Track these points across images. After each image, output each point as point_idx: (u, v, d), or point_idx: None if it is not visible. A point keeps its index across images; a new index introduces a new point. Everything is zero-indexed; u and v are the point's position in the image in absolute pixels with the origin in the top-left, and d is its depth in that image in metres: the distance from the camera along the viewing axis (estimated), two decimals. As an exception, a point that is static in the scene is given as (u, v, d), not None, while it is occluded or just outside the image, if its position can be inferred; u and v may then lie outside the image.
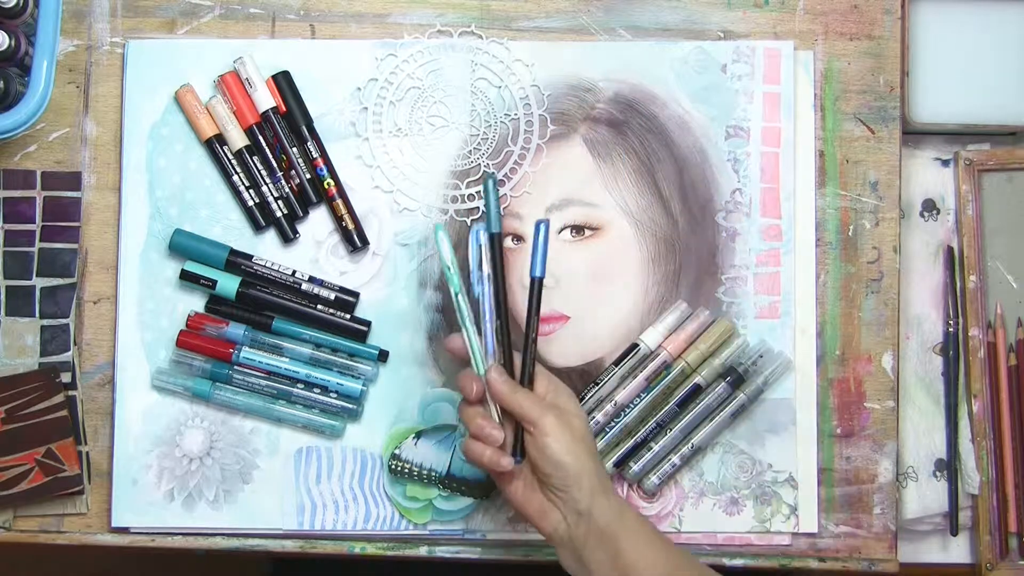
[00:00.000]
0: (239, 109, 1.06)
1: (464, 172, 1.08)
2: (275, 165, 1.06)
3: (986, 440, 1.10)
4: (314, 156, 1.06)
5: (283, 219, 1.06)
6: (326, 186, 1.06)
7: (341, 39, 1.08)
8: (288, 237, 1.06)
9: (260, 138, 1.06)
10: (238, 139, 1.06)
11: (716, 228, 1.07)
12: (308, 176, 1.06)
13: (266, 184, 1.06)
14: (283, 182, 1.06)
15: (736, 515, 1.06)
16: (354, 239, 1.06)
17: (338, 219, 1.06)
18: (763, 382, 1.05)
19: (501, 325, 0.96)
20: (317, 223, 1.07)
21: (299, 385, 1.05)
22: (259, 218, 1.06)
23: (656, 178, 1.07)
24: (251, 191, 1.06)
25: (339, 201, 1.06)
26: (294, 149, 1.06)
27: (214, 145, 1.06)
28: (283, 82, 1.07)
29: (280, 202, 1.06)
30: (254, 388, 1.05)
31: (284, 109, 1.06)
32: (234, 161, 1.06)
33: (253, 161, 1.06)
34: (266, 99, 1.06)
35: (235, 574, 1.50)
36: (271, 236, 1.07)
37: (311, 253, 1.07)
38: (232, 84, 1.06)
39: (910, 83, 1.10)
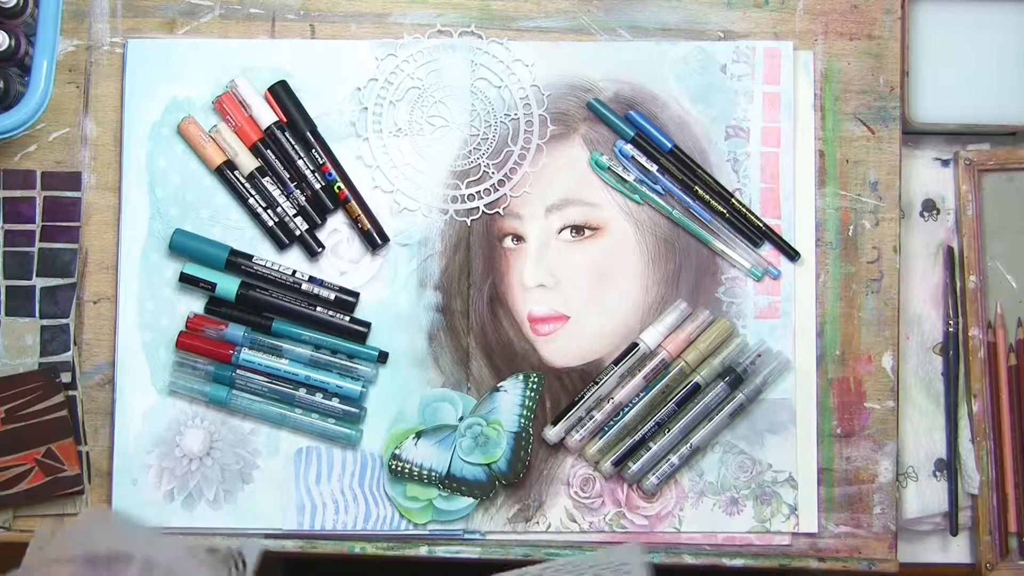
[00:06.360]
0: (241, 128, 1.06)
1: (464, 172, 1.08)
2: (287, 179, 1.06)
3: (986, 440, 1.10)
4: (321, 162, 1.06)
5: (306, 234, 1.06)
6: (336, 190, 1.06)
7: (341, 39, 1.08)
8: (313, 251, 1.06)
9: (267, 155, 1.06)
10: (248, 162, 1.06)
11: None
12: (320, 184, 1.06)
13: (280, 205, 1.05)
14: (296, 193, 1.06)
15: (736, 515, 1.06)
16: (374, 238, 1.06)
17: (354, 220, 1.06)
18: (761, 382, 1.05)
19: None
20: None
21: (302, 389, 1.05)
22: (282, 237, 1.06)
23: (656, 178, 1.08)
24: (268, 211, 1.06)
25: (353, 203, 1.06)
26: (300, 161, 1.06)
27: (225, 172, 1.06)
28: (281, 92, 1.06)
29: (299, 218, 1.06)
30: (256, 391, 1.05)
31: (285, 120, 1.06)
32: (247, 185, 1.06)
33: (263, 183, 1.06)
34: (267, 115, 1.06)
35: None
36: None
37: (311, 253, 1.07)
38: (230, 106, 1.06)
39: (910, 83, 1.10)
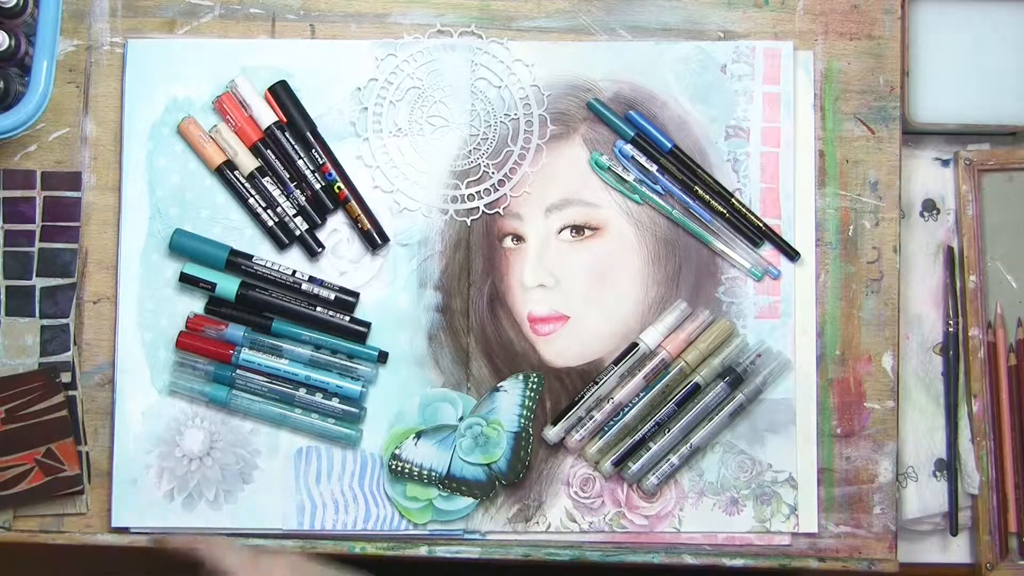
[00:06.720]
0: (241, 128, 1.06)
1: (464, 172, 1.08)
2: (287, 179, 1.06)
3: (986, 440, 1.10)
4: (321, 162, 1.06)
5: (306, 234, 1.06)
6: (336, 190, 1.06)
7: (341, 39, 1.08)
8: (313, 251, 1.06)
9: (267, 155, 1.06)
10: (248, 162, 1.06)
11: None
12: (320, 184, 1.06)
13: (280, 204, 1.05)
14: (296, 193, 1.06)
15: (736, 515, 1.06)
16: (374, 238, 1.06)
17: (354, 220, 1.06)
18: (761, 382, 1.05)
19: None
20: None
21: (302, 389, 1.05)
22: (282, 237, 1.06)
23: (656, 178, 1.08)
24: (268, 211, 1.06)
25: (353, 203, 1.06)
26: (300, 161, 1.06)
27: (225, 172, 1.06)
28: (281, 92, 1.06)
29: (299, 218, 1.06)
30: (256, 391, 1.05)
31: (285, 120, 1.06)
32: (247, 185, 1.06)
33: (263, 183, 1.06)
34: (267, 115, 1.06)
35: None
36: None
37: (311, 253, 1.07)
38: (230, 106, 1.06)
39: (910, 83, 1.10)
